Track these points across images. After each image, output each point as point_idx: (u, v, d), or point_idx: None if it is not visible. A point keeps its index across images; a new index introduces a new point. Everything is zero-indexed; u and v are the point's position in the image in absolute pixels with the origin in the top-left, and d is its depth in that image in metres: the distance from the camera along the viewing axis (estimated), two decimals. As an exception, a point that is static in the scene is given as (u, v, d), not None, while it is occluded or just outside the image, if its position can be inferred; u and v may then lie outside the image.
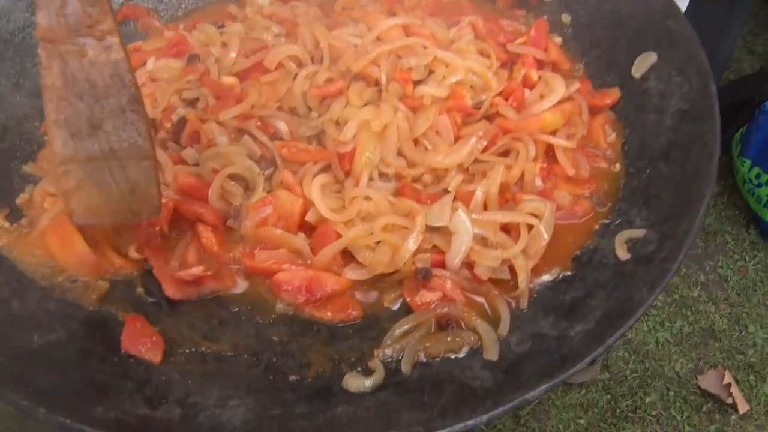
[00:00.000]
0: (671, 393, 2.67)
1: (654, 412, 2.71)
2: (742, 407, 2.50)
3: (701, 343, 2.92)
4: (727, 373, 2.63)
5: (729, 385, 2.54)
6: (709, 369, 2.71)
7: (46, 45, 0.95)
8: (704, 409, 2.62)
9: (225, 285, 1.19)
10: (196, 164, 1.33)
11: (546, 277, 1.21)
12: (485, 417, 0.96)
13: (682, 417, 2.57)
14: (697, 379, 2.68)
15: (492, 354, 1.07)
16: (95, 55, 0.97)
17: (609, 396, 2.65)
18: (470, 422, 0.95)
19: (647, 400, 2.68)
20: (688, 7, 1.75)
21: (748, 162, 3.09)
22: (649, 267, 1.12)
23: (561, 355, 1.03)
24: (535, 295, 1.19)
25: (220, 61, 1.49)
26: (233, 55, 1.50)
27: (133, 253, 1.21)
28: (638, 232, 1.19)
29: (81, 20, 0.94)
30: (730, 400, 2.51)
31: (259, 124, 1.34)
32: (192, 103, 1.46)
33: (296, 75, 1.41)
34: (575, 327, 1.08)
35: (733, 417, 2.57)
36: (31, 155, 1.39)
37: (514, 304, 1.17)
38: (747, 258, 3.17)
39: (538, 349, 1.07)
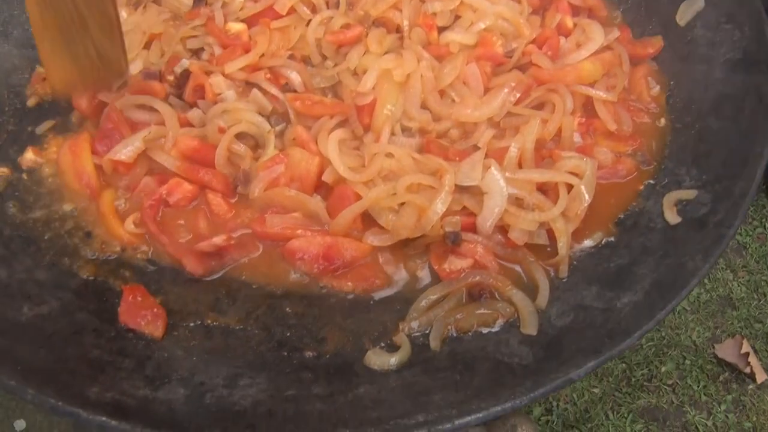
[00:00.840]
0: (687, 362, 2.64)
1: (670, 382, 2.68)
2: (760, 376, 2.46)
3: (719, 311, 2.89)
4: (745, 341, 2.58)
5: (747, 354, 2.51)
6: (726, 338, 2.67)
7: None
8: (721, 378, 2.58)
9: (249, 252, 1.10)
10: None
11: (587, 243, 1.15)
12: (526, 398, 0.86)
13: (698, 386, 2.53)
14: (714, 348, 2.65)
15: (530, 328, 0.99)
16: None
17: (624, 365, 2.61)
18: (508, 405, 0.85)
19: (663, 369, 2.65)
20: None
21: (770, 126, 2.99)
22: (703, 231, 1.05)
23: (608, 329, 0.95)
24: (575, 263, 1.13)
25: (228, 5, 1.38)
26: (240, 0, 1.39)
27: (130, 227, 1.12)
28: (689, 193, 1.13)
29: None
30: (747, 370, 2.47)
31: (269, 75, 1.24)
32: (197, 53, 1.35)
33: (310, 20, 1.31)
34: (622, 298, 1.01)
35: (751, 386, 2.53)
36: (21, 110, 1.30)
37: (553, 273, 1.12)
38: (766, 225, 3.12)
39: (581, 322, 0.99)
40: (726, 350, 2.61)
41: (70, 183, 1.19)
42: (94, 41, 1.14)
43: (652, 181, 1.20)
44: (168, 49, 1.35)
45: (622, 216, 1.16)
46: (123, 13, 1.41)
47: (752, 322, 2.80)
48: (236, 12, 1.39)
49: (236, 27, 1.36)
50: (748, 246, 3.03)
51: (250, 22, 1.38)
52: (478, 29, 1.28)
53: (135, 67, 1.33)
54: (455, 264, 1.07)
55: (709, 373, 2.58)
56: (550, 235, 1.10)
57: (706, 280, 2.92)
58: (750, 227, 3.07)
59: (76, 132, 1.27)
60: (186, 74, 1.27)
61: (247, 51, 1.29)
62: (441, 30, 1.31)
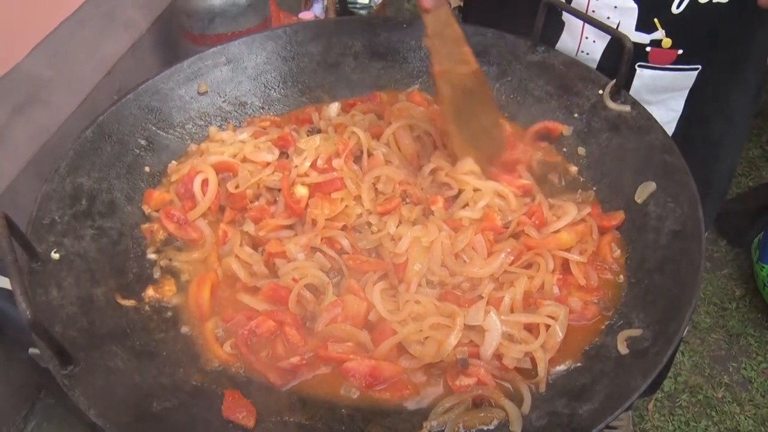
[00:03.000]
0: (699, 496, 2.85)
1: None
2: None
3: None
4: (756, 475, 2.79)
5: (758, 488, 2.72)
6: (737, 470, 2.89)
7: (440, 77, 1.66)
8: None
9: (315, 370, 1.49)
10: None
11: (561, 367, 1.45)
12: (511, 478, 1.26)
13: None
14: (724, 482, 2.90)
15: (516, 428, 1.34)
16: (463, 71, 1.65)
17: (637, 494, 2.87)
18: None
19: (675, 500, 2.90)
20: (678, 130, 2.06)
21: (767, 267, 3.39)
22: (643, 360, 1.36)
23: (571, 428, 1.31)
24: (551, 381, 1.42)
25: (299, 167, 1.80)
26: (307, 165, 1.80)
27: (227, 349, 1.53)
28: (636, 332, 1.42)
29: (454, 55, 1.64)
30: (758, 504, 2.68)
31: (326, 242, 1.68)
32: (270, 190, 1.81)
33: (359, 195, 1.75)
34: (583, 407, 1.33)
35: None
36: (142, 257, 1.75)
37: (534, 388, 1.41)
38: None
39: (553, 424, 1.34)
40: (737, 483, 2.83)
41: (190, 306, 1.62)
42: (491, 137, 1.79)
43: (610, 322, 1.53)
44: (242, 185, 1.79)
45: (587, 348, 1.49)
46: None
47: (760, 454, 3.05)
48: (302, 176, 1.78)
49: (301, 191, 1.76)
50: (753, 380, 3.32)
51: (313, 187, 1.76)
52: (481, 206, 1.70)
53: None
54: (464, 381, 1.42)
55: (720, 506, 2.82)
56: (533, 361, 1.44)
57: (714, 413, 3.21)
58: (755, 362, 3.40)
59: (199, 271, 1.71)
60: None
61: (299, 215, 1.73)
62: (448, 200, 1.74)
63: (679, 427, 3.22)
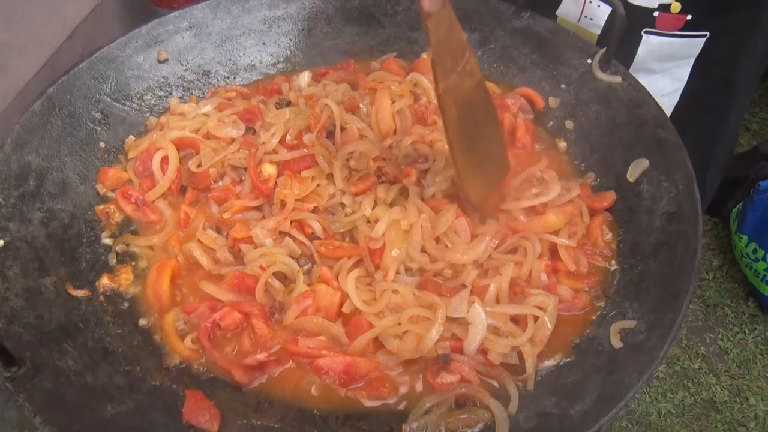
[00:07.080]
0: (673, 464, 2.83)
1: (656, 483, 2.87)
2: (744, 480, 2.66)
3: (703, 414, 3.10)
4: (728, 445, 2.77)
5: (730, 457, 2.70)
6: (710, 441, 2.86)
7: (446, 96, 1.39)
8: (706, 481, 2.78)
9: (283, 365, 1.37)
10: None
11: (550, 362, 1.37)
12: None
13: (684, 489, 2.72)
14: (698, 450, 2.86)
15: (503, 430, 1.24)
16: (468, 85, 1.41)
17: (613, 466, 2.82)
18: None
19: (649, 470, 2.85)
20: (682, 100, 1.95)
21: (746, 238, 3.31)
22: (639, 354, 1.26)
23: (562, 431, 1.21)
24: (540, 378, 1.34)
25: (266, 144, 1.66)
26: (275, 141, 1.67)
27: (189, 344, 1.40)
28: (630, 323, 1.34)
29: (458, 66, 1.38)
30: (731, 473, 2.66)
31: (296, 225, 1.54)
32: (236, 169, 1.67)
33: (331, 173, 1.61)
34: (575, 407, 1.23)
35: (735, 489, 2.71)
36: (95, 242, 1.59)
37: (522, 386, 1.33)
38: (746, 331, 3.36)
39: (542, 425, 1.24)
40: (710, 453, 2.79)
41: (148, 296, 1.48)
42: (494, 155, 1.56)
43: (603, 313, 1.42)
44: (204, 164, 1.64)
45: (578, 341, 1.39)
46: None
47: (736, 425, 3.02)
48: (270, 153, 1.65)
49: (269, 170, 1.62)
50: (729, 351, 3.28)
51: (282, 166, 1.62)
52: (448, 176, 1.58)
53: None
54: (446, 378, 1.32)
55: (695, 476, 2.78)
56: (520, 356, 1.34)
57: (690, 384, 3.16)
58: (731, 333, 3.34)
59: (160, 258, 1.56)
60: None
61: (267, 196, 1.58)
62: (422, 173, 1.61)
63: (655, 398, 3.16)
